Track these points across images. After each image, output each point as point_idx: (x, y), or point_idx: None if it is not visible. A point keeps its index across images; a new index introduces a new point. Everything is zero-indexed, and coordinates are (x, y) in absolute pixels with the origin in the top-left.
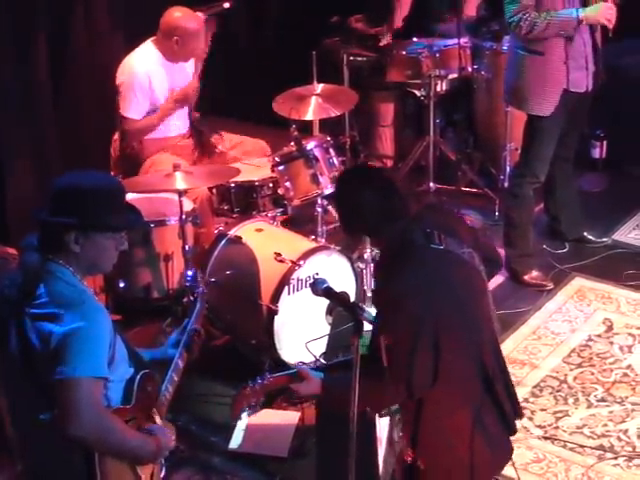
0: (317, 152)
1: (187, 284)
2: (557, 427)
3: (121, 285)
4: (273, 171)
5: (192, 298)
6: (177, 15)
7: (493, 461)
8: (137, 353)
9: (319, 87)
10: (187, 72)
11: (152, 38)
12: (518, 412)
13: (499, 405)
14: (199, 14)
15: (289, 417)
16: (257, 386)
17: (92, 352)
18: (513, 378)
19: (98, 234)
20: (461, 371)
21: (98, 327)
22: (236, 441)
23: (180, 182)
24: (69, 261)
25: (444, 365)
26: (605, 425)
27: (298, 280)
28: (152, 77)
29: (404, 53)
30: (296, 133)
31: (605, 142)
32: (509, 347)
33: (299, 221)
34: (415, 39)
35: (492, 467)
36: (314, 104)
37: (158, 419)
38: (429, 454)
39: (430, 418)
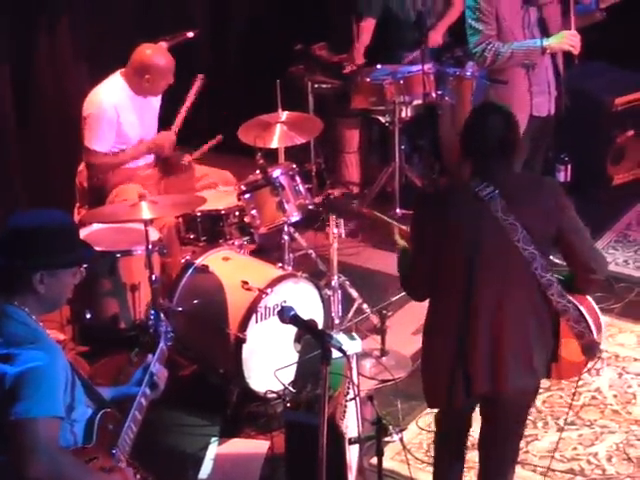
0: (283, 180)
1: (150, 322)
2: (527, 451)
3: (88, 316)
4: (239, 199)
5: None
6: (149, 53)
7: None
8: (97, 391)
9: (284, 115)
10: (154, 106)
11: (121, 70)
12: (495, 389)
13: (464, 365)
14: (162, 44)
15: (258, 446)
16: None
17: (47, 392)
18: None
19: (64, 271)
20: (440, 301)
21: (52, 366)
22: (205, 471)
23: (146, 212)
24: (25, 302)
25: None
26: (575, 448)
27: (266, 308)
28: (120, 110)
29: (368, 80)
30: (262, 161)
31: (569, 166)
32: None
33: (266, 249)
34: (379, 66)
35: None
36: (279, 132)
37: (121, 458)
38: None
39: (425, 326)
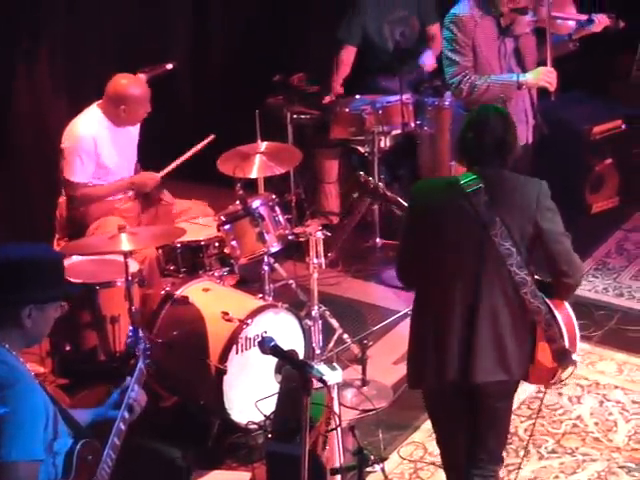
0: (263, 210)
1: (128, 340)
2: None
3: (67, 348)
4: (219, 230)
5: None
6: (124, 83)
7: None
8: (76, 421)
9: (263, 145)
10: (133, 135)
11: (98, 102)
12: (465, 379)
13: (437, 352)
14: (141, 76)
15: (240, 477)
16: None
17: (27, 435)
18: None
19: (51, 305)
20: (423, 287)
21: (32, 408)
22: None
23: (125, 243)
24: (7, 337)
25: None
26: (557, 477)
27: (246, 339)
28: (98, 142)
29: (347, 110)
30: (241, 192)
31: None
32: None
33: (246, 280)
34: (358, 96)
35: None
36: (258, 162)
37: None
38: None
39: (412, 308)
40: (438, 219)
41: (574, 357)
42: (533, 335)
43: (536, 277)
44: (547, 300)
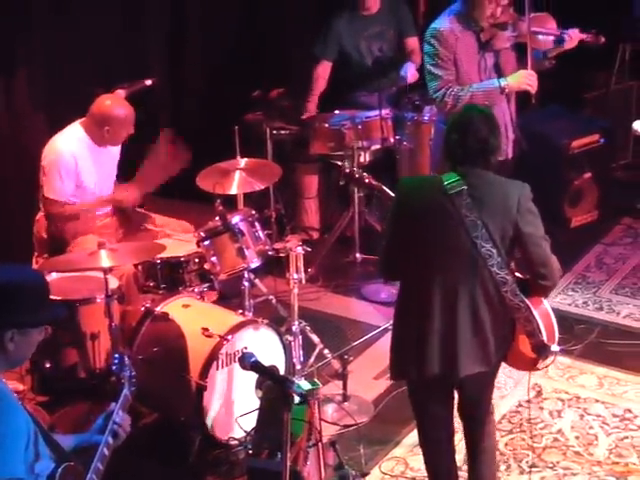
0: (242, 226)
1: (114, 367)
2: None
3: (47, 365)
4: (199, 246)
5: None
6: (108, 104)
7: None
8: (57, 444)
9: (243, 161)
10: (113, 154)
11: (80, 120)
12: (447, 374)
13: (419, 347)
14: (120, 92)
15: None
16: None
17: (8, 453)
18: None
19: (34, 329)
20: (406, 284)
21: (14, 427)
22: None
23: (105, 260)
24: None
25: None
26: None
27: (227, 355)
28: (78, 159)
29: (327, 126)
30: (221, 208)
31: None
32: None
33: (226, 296)
34: (337, 111)
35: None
36: (238, 178)
37: None
38: None
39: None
40: (421, 218)
41: (553, 348)
42: (512, 330)
43: (515, 274)
44: (525, 299)
